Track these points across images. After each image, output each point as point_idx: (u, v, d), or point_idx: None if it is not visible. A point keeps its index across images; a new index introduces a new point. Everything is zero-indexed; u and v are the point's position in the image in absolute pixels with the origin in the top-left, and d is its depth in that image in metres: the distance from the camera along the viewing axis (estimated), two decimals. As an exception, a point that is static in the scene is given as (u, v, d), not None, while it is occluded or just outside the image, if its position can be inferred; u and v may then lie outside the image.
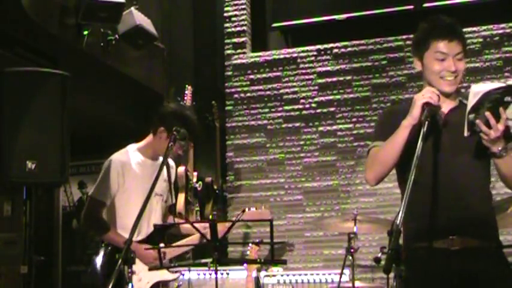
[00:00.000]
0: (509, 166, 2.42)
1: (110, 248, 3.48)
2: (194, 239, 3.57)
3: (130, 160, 3.61)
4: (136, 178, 3.57)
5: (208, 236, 3.02)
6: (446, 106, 2.57)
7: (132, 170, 3.59)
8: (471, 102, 2.28)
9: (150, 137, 3.65)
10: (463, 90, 2.86)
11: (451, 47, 2.51)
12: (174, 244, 3.55)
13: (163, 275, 3.51)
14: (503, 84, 2.26)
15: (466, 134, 2.32)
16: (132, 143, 3.73)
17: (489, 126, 2.28)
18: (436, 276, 2.43)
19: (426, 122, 2.33)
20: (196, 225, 3.24)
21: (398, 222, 2.02)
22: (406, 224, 2.32)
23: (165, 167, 3.64)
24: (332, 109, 6.16)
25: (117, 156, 3.61)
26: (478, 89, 2.27)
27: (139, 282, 3.43)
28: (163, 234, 3.50)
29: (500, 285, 2.45)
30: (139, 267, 3.36)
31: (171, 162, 3.77)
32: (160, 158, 3.67)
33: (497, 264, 2.50)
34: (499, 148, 2.35)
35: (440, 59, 2.51)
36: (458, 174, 2.48)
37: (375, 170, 2.56)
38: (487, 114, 2.27)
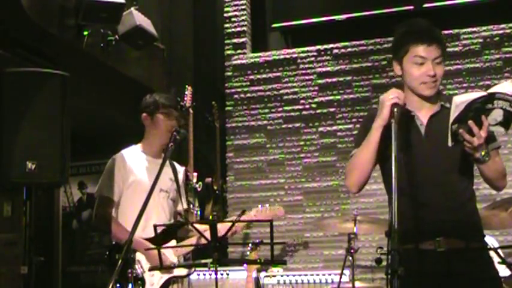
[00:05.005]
0: (491, 170, 2.45)
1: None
2: (193, 240, 3.60)
3: (133, 158, 3.69)
4: (140, 175, 3.63)
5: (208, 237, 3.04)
6: (428, 111, 2.58)
7: (135, 167, 3.66)
8: (454, 113, 2.30)
9: (145, 135, 3.78)
10: (444, 92, 2.88)
11: (430, 51, 2.50)
12: (174, 245, 3.56)
13: (176, 270, 3.53)
14: (484, 93, 2.29)
15: (450, 144, 2.34)
16: (133, 144, 3.82)
17: (472, 134, 2.30)
18: (423, 277, 2.44)
19: (393, 122, 2.35)
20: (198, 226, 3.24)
21: (394, 223, 2.04)
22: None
23: (170, 167, 3.72)
24: (332, 109, 6.16)
25: (119, 155, 3.70)
26: (460, 100, 2.29)
27: (152, 277, 3.45)
28: (172, 234, 3.53)
29: (486, 286, 2.47)
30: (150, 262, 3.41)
31: (178, 166, 3.88)
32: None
33: (483, 265, 2.52)
34: (482, 153, 2.37)
35: (419, 63, 2.51)
36: (442, 178, 2.50)
37: (352, 177, 2.59)
38: (470, 122, 2.29)
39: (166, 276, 3.51)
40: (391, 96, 2.42)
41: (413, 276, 2.37)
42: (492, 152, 2.42)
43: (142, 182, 3.59)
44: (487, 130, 2.31)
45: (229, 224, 3.12)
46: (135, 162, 3.67)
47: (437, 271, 2.43)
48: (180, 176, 3.86)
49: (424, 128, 2.54)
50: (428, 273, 2.43)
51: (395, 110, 2.38)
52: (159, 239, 3.43)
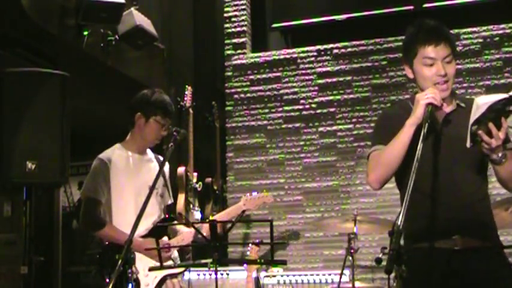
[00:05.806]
0: (507, 171, 2.44)
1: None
2: (187, 235, 3.59)
3: (117, 156, 3.64)
4: (125, 173, 3.60)
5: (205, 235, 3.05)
6: (444, 109, 2.58)
7: (120, 165, 3.61)
8: (475, 114, 2.29)
9: (131, 131, 3.71)
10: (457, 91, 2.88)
11: (438, 51, 2.50)
12: (172, 243, 3.56)
13: (171, 268, 3.52)
14: (506, 96, 2.27)
15: (468, 145, 2.34)
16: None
17: (490, 136, 2.30)
18: (438, 276, 2.44)
19: (427, 123, 2.35)
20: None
21: (399, 222, 2.03)
22: (406, 225, 2.33)
23: (155, 162, 3.69)
24: (332, 109, 6.15)
25: (103, 155, 3.65)
26: (483, 102, 2.28)
27: (147, 277, 3.44)
28: (164, 231, 3.52)
29: (501, 285, 2.47)
30: (144, 262, 3.39)
31: (162, 159, 3.80)
32: (149, 153, 3.72)
33: (498, 264, 2.51)
34: (499, 155, 2.36)
35: (429, 64, 2.51)
36: (457, 176, 2.50)
37: (378, 172, 2.56)
38: (490, 125, 2.28)
39: (160, 275, 3.50)
40: (426, 96, 2.42)
41: (427, 274, 2.37)
42: (508, 153, 2.42)
43: (130, 181, 3.57)
44: (506, 132, 2.31)
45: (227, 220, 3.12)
46: (120, 161, 3.62)
47: (452, 270, 2.43)
48: (166, 170, 3.81)
49: (440, 127, 2.54)
50: (443, 271, 2.43)
51: (428, 109, 2.39)
52: (153, 235, 3.44)
